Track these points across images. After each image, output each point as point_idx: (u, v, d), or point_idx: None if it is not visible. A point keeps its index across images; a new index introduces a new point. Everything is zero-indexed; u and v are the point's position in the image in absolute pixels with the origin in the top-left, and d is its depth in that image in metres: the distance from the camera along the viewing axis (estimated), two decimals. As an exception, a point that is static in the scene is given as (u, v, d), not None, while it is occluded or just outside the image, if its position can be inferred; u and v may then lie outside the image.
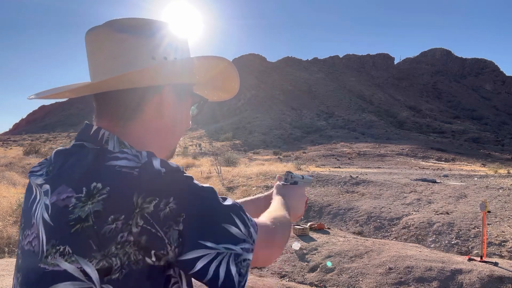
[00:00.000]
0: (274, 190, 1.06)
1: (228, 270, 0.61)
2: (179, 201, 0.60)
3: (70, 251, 0.59)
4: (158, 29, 0.74)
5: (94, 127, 0.71)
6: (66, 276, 0.59)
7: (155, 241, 0.59)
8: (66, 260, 0.59)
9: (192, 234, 0.59)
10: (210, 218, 0.61)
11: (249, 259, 0.64)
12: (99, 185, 0.60)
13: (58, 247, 0.60)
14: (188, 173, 0.66)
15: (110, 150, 0.67)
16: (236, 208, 0.65)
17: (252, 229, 0.66)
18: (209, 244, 0.60)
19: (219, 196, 0.66)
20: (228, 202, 0.66)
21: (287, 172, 1.11)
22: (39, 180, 0.69)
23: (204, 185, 0.65)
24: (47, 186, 0.66)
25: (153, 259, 0.60)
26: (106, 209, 0.58)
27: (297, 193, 1.05)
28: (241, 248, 0.63)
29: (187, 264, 0.60)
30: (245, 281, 0.64)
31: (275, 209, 0.90)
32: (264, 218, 0.78)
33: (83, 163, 0.65)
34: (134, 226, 0.58)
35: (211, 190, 0.65)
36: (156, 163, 0.63)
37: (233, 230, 0.63)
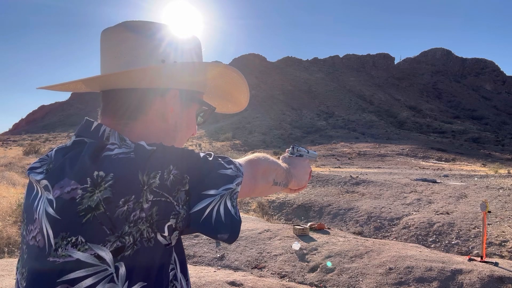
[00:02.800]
0: (280, 159, 1.10)
1: (226, 206, 0.68)
2: (178, 166, 0.65)
3: (83, 240, 0.60)
4: (165, 32, 0.76)
5: (95, 124, 0.72)
6: (79, 265, 0.60)
7: (166, 208, 0.62)
8: (79, 250, 0.60)
9: (196, 189, 0.65)
10: (206, 171, 0.67)
11: (238, 191, 0.71)
12: (102, 173, 0.61)
13: (69, 239, 0.61)
14: None
15: (104, 143, 0.68)
16: (223, 156, 0.73)
17: (238, 164, 0.74)
18: (212, 192, 0.66)
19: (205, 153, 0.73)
20: (213, 155, 0.72)
21: (292, 145, 1.14)
22: (38, 177, 0.69)
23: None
24: (45, 182, 0.67)
25: (165, 233, 0.64)
26: (116, 194, 0.60)
27: (301, 163, 1.09)
28: (236, 184, 0.70)
29: (197, 215, 0.65)
30: (238, 210, 0.71)
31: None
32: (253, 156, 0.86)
33: (81, 156, 0.66)
34: (145, 202, 0.61)
35: (196, 151, 0.71)
36: (144, 144, 0.67)
37: (227, 171, 0.70)
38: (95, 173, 0.61)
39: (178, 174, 0.64)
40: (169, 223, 0.63)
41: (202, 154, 0.70)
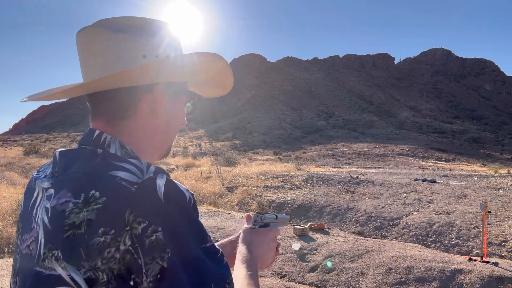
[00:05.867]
0: (241, 234, 0.94)
1: None
2: (169, 235, 0.57)
3: (61, 257, 0.58)
4: (149, 27, 0.73)
5: (97, 132, 0.71)
6: (61, 282, 0.58)
7: (135, 266, 0.56)
8: (59, 265, 0.58)
9: (174, 278, 0.56)
10: (193, 272, 0.58)
11: None
12: (97, 193, 0.59)
13: (53, 252, 0.59)
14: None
15: (116, 155, 0.66)
16: (221, 281, 0.61)
17: None
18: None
19: (213, 250, 0.63)
20: (219, 264, 0.62)
21: (257, 213, 0.95)
22: (46, 184, 0.68)
23: (203, 228, 0.62)
24: (51, 191, 0.66)
25: (131, 283, 0.57)
26: (99, 220, 0.57)
27: (265, 239, 0.92)
28: None
29: None
30: None
31: (238, 277, 0.80)
32: None
33: (87, 168, 0.64)
34: (122, 244, 0.56)
35: (206, 240, 0.62)
36: (160, 183, 0.61)
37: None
38: (92, 191, 0.59)
39: (162, 242, 0.56)
40: (135, 279, 0.57)
41: (212, 253, 0.62)
